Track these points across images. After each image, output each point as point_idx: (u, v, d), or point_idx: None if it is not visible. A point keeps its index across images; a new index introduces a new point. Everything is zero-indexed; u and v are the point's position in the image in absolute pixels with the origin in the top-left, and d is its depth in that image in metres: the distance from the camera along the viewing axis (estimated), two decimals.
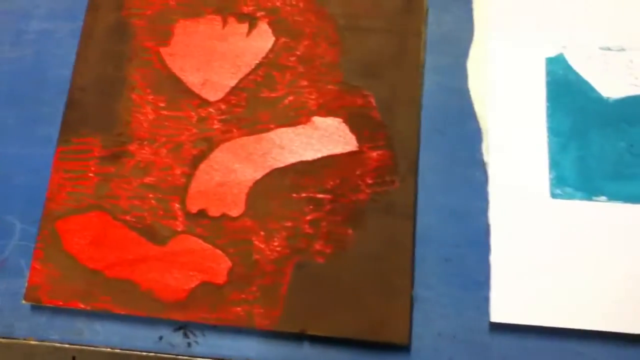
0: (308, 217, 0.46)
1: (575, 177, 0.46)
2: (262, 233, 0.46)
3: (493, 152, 0.47)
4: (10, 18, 0.54)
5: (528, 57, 0.48)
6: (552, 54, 0.48)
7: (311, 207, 0.46)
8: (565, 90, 0.47)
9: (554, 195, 0.45)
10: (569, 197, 0.45)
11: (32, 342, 0.46)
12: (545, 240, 0.44)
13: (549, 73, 0.48)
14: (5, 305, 0.47)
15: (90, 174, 0.48)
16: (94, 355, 0.45)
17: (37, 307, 0.46)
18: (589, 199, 0.45)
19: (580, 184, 0.45)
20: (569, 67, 0.48)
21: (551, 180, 0.46)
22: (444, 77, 0.49)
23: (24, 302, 0.46)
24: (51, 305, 0.45)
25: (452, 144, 0.48)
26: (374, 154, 0.47)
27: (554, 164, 0.46)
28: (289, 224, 0.46)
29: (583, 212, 0.45)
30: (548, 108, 0.47)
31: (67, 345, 0.46)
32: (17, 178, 0.50)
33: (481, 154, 0.47)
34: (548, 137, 0.47)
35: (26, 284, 0.46)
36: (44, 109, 0.51)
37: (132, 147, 0.48)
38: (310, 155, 0.47)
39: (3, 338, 0.46)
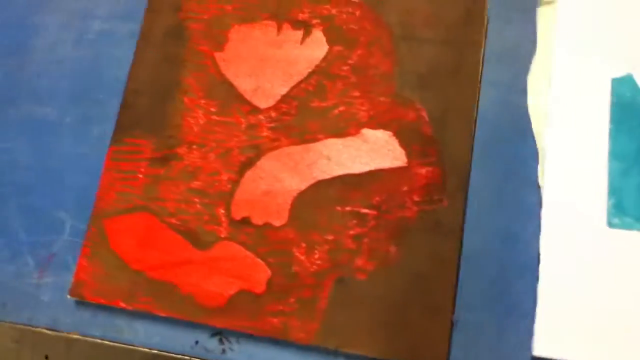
0: (351, 232, 0.45)
1: (635, 206, 0.43)
2: (303, 245, 0.45)
3: (549, 174, 0.45)
4: (74, 17, 0.55)
5: (593, 76, 0.46)
6: (620, 74, 0.45)
7: (355, 221, 0.45)
8: (631, 113, 0.45)
9: (611, 225, 0.43)
10: (628, 227, 0.43)
11: (75, 336, 0.47)
12: (599, 272, 0.42)
13: (615, 94, 0.45)
14: (52, 298, 0.48)
15: (140, 175, 0.48)
16: (131, 355, 0.46)
17: (82, 303, 0.47)
18: None
19: None
20: (637, 89, 0.45)
21: (609, 208, 0.43)
22: (502, 92, 0.47)
23: (69, 297, 0.47)
24: (94, 302, 0.46)
25: (506, 163, 0.46)
26: (423, 171, 0.45)
27: (614, 191, 0.43)
28: (331, 237, 0.45)
29: None
30: (611, 131, 0.45)
31: (107, 342, 0.47)
32: (71, 175, 0.51)
33: (536, 176, 0.45)
34: (609, 161, 0.44)
35: (72, 280, 0.47)
36: (100, 108, 0.52)
37: (182, 151, 0.49)
38: (357, 168, 0.46)
39: (48, 329, 0.48)
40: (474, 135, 0.46)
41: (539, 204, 0.44)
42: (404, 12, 0.49)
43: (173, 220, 0.47)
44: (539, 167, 0.45)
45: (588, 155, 0.44)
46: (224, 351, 0.45)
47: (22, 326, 0.48)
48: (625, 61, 0.46)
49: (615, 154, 0.44)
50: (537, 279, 0.43)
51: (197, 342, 0.46)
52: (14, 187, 0.51)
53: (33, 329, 0.48)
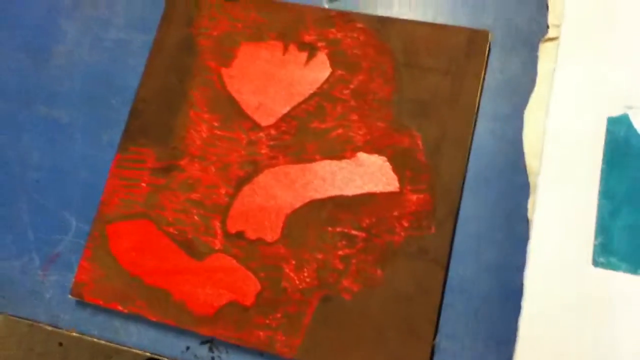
0: (340, 253, 0.46)
1: (622, 247, 0.43)
2: (293, 262, 0.47)
3: (539, 209, 0.45)
4: (93, 24, 0.57)
5: (589, 114, 0.46)
6: (615, 113, 0.46)
7: (344, 242, 0.46)
8: (625, 152, 0.45)
9: (596, 264, 0.43)
10: (613, 267, 0.43)
11: (74, 334, 0.49)
12: (581, 310, 0.42)
13: (610, 133, 0.45)
14: (53, 296, 0.50)
15: (143, 184, 0.50)
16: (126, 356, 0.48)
17: (81, 302, 0.50)
18: (635, 272, 0.43)
19: (626, 255, 0.43)
20: (632, 129, 0.45)
21: (596, 247, 0.44)
22: (498, 125, 0.48)
23: (69, 296, 0.49)
24: (93, 303, 0.48)
25: (497, 194, 0.47)
26: (414, 197, 0.46)
27: (602, 230, 0.44)
28: (320, 256, 0.46)
29: (626, 286, 0.42)
30: (603, 170, 0.45)
31: (102, 342, 0.49)
32: (79, 177, 0.53)
33: (526, 210, 0.46)
34: (599, 200, 0.44)
35: (73, 280, 0.49)
36: (111, 114, 0.54)
37: (184, 162, 0.50)
38: (350, 190, 0.47)
39: (49, 325, 0.50)
40: (467, 165, 0.47)
41: (526, 238, 0.45)
42: (408, 40, 0.50)
43: (171, 229, 0.49)
44: (530, 201, 0.46)
45: (579, 193, 0.45)
46: (213, 359, 0.47)
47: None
48: (622, 100, 0.46)
49: (605, 193, 0.45)
50: (519, 310, 0.43)
51: (188, 348, 0.48)
52: (24, 185, 0.54)
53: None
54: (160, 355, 0.48)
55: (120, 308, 0.48)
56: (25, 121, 0.55)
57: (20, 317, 0.50)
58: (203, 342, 0.48)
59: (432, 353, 0.44)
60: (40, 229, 0.52)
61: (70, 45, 0.57)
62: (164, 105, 0.52)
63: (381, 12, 0.52)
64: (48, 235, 0.52)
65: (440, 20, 0.51)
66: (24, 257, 0.52)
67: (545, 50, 0.49)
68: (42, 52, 0.57)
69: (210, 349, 0.47)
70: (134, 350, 0.48)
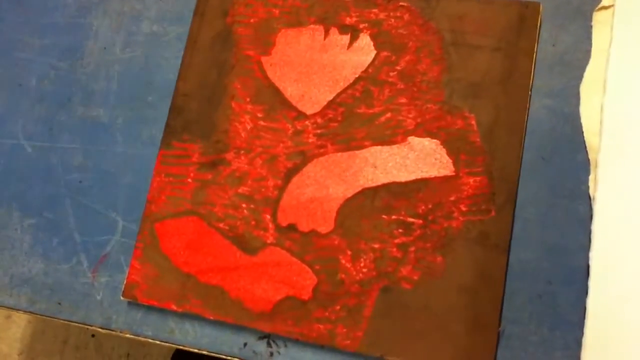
0: (397, 241, 0.45)
1: None
2: (349, 252, 0.46)
3: (601, 186, 0.44)
4: (123, 19, 0.56)
5: None
6: None
7: (400, 230, 0.45)
8: None
9: None
10: None
11: (128, 335, 0.49)
12: None
13: None
14: (105, 298, 0.50)
15: (189, 180, 0.49)
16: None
17: (134, 303, 0.49)
18: None
19: None
20: None
21: None
22: (554, 101, 0.46)
23: (122, 298, 0.48)
24: (147, 304, 0.48)
25: (557, 173, 0.45)
26: (471, 180, 0.45)
27: None
28: (377, 245, 0.45)
29: None
30: None
31: (158, 342, 0.48)
32: (122, 175, 0.52)
33: (587, 187, 0.44)
34: None
35: (125, 280, 0.49)
36: (150, 111, 0.53)
37: (229, 156, 0.49)
38: (403, 176, 0.46)
39: (101, 328, 0.50)
40: (524, 144, 0.46)
41: (589, 216, 0.44)
42: (454, 17, 0.48)
43: (221, 225, 0.48)
44: (591, 178, 0.44)
45: None
46: (271, 354, 0.46)
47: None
48: None
49: None
50: (585, 291, 0.42)
51: (245, 345, 0.47)
52: (67, 188, 0.53)
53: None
54: (218, 353, 0.47)
55: (175, 308, 0.47)
56: (64, 123, 0.54)
57: (74, 322, 0.50)
58: (261, 338, 0.47)
59: (498, 339, 0.43)
60: (87, 231, 0.52)
61: (102, 42, 0.56)
62: (205, 98, 0.51)
63: None
64: (95, 236, 0.51)
65: None
66: (72, 260, 0.51)
67: (599, 20, 0.47)
68: (75, 52, 0.56)
69: (269, 344, 0.47)
70: (190, 349, 0.48)
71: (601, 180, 0.44)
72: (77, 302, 0.50)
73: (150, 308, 0.49)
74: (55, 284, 0.51)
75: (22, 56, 0.57)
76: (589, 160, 0.45)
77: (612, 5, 0.46)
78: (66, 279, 0.51)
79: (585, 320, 0.42)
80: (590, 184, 0.44)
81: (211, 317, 0.46)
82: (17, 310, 0.52)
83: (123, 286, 0.49)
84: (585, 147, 0.45)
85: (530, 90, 0.46)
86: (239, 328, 0.47)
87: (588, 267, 0.43)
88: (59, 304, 0.51)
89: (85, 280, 0.51)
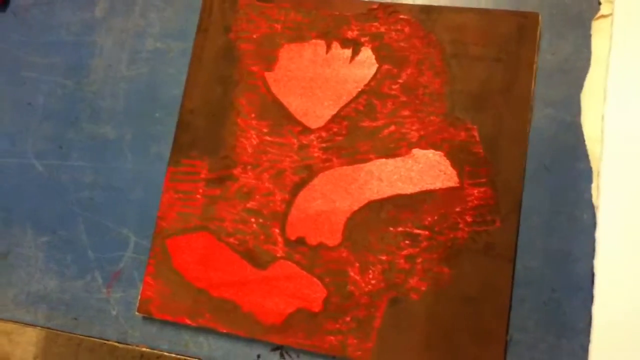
0: (404, 252, 0.46)
1: None
2: (357, 265, 0.47)
3: (604, 194, 0.44)
4: (127, 36, 0.56)
5: None
6: None
7: (407, 242, 0.46)
8: None
9: None
10: None
11: (144, 349, 0.50)
12: None
13: None
14: (120, 313, 0.51)
15: (198, 196, 0.50)
16: None
17: (149, 318, 0.50)
18: None
19: None
20: None
21: None
22: (555, 110, 0.47)
23: (137, 313, 0.49)
24: (161, 318, 0.49)
25: (560, 182, 0.46)
26: (475, 191, 0.46)
27: None
28: (384, 257, 0.46)
29: None
30: None
31: (174, 355, 0.49)
32: (132, 193, 0.53)
33: (591, 196, 0.45)
34: None
35: (139, 296, 0.50)
36: (157, 127, 0.54)
37: (237, 172, 0.50)
38: (408, 189, 0.47)
39: (118, 343, 0.51)
40: (527, 153, 0.46)
41: (593, 224, 0.44)
42: (455, 29, 0.48)
43: (231, 240, 0.49)
44: (593, 186, 0.45)
45: None
46: None
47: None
48: None
49: None
50: (590, 298, 0.43)
51: (259, 356, 0.48)
52: (79, 206, 0.54)
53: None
54: None
55: (189, 322, 0.48)
56: (73, 140, 0.55)
57: (91, 337, 0.51)
58: (274, 349, 0.48)
59: (506, 347, 0.44)
60: (99, 248, 0.53)
61: (107, 60, 0.56)
62: (211, 115, 0.52)
63: (423, 0, 0.51)
64: (107, 253, 0.53)
65: (484, 4, 0.50)
66: (87, 277, 0.53)
67: (598, 29, 0.47)
68: (81, 70, 0.57)
69: (282, 355, 0.48)
70: None
71: (604, 188, 0.44)
72: (92, 317, 0.52)
73: (164, 322, 0.50)
74: (71, 300, 0.52)
75: (29, 75, 0.58)
76: (591, 168, 0.45)
77: (611, 14, 0.46)
78: (81, 295, 0.52)
79: (592, 327, 0.43)
80: (593, 192, 0.45)
81: (224, 330, 0.48)
82: (35, 326, 0.53)
83: (137, 301, 0.50)
84: (588, 155, 0.46)
85: (532, 100, 0.47)
86: (252, 340, 0.48)
87: (593, 274, 0.44)
88: (75, 319, 0.52)
89: (100, 296, 0.52)
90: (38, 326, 0.53)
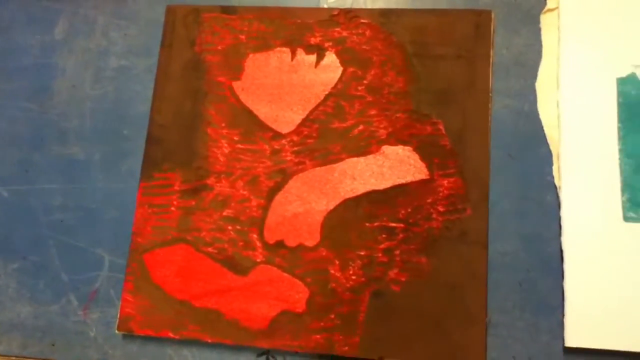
0: (382, 246, 0.47)
1: None
2: (337, 262, 0.47)
3: (565, 175, 0.47)
4: (90, 56, 0.56)
5: (598, 78, 0.48)
6: (624, 74, 0.48)
7: (384, 235, 0.47)
8: (638, 111, 0.47)
9: (627, 219, 0.45)
10: None
11: None
12: (619, 264, 0.45)
13: (621, 94, 0.47)
14: (99, 334, 0.50)
15: (173, 208, 0.50)
16: None
17: (129, 336, 0.49)
18: None
19: None
20: None
21: (624, 203, 0.46)
22: (513, 101, 0.49)
23: (117, 332, 0.49)
24: (143, 335, 0.48)
25: (523, 168, 0.48)
26: (445, 182, 0.48)
27: (627, 187, 0.46)
28: (363, 252, 0.47)
29: None
30: (620, 129, 0.47)
31: None
32: (105, 212, 0.53)
33: (552, 178, 0.47)
34: (620, 159, 0.46)
35: (118, 314, 0.49)
36: (126, 144, 0.54)
37: (210, 181, 0.50)
38: (381, 184, 0.48)
39: None
40: (491, 143, 0.48)
41: (558, 205, 0.47)
42: (414, 30, 0.50)
43: (210, 249, 0.49)
44: (554, 169, 0.47)
45: (600, 155, 0.47)
46: None
47: None
48: (628, 61, 0.48)
49: (625, 152, 0.46)
50: (562, 275, 0.45)
51: None
52: (50, 229, 0.53)
53: None
54: None
55: (172, 335, 0.48)
56: (40, 164, 0.55)
57: None
58: (260, 354, 0.48)
59: (486, 329, 0.45)
60: (73, 269, 0.52)
61: (71, 81, 0.56)
62: (181, 127, 0.52)
63: (381, 4, 0.53)
64: (82, 274, 0.52)
65: (440, 5, 0.52)
66: (62, 300, 0.51)
67: (547, 22, 0.50)
68: (44, 92, 0.56)
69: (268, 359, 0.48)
70: None
71: (564, 169, 0.47)
72: (70, 341, 0.50)
73: (145, 339, 0.49)
74: (46, 326, 0.51)
75: None
76: (551, 152, 0.48)
77: (557, 8, 0.50)
78: (57, 320, 0.51)
79: (564, 303, 0.45)
80: (555, 174, 0.47)
81: (210, 340, 0.47)
82: (9, 356, 0.51)
83: (117, 320, 0.49)
84: (547, 140, 0.48)
85: (491, 93, 0.49)
86: (237, 348, 0.48)
87: (562, 252, 0.46)
88: (53, 345, 0.51)
89: (77, 318, 0.51)
90: (12, 356, 0.51)
